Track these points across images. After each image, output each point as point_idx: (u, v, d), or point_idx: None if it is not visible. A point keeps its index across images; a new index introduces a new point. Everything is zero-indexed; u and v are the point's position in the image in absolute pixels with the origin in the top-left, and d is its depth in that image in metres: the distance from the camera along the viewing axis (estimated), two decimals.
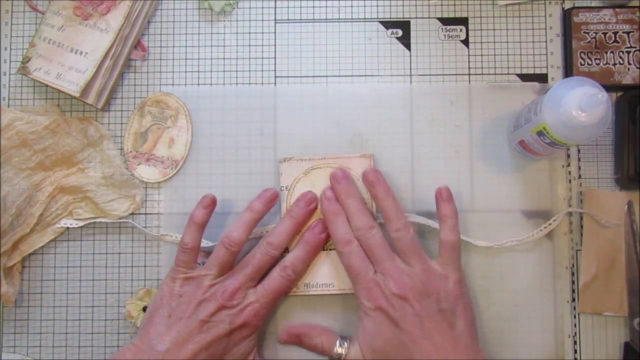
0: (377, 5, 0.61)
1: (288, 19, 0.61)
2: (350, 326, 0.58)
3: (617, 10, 0.59)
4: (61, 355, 0.59)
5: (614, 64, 0.59)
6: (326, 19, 0.61)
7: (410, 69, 0.60)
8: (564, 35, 0.60)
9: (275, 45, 0.61)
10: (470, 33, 0.61)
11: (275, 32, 0.61)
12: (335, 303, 0.58)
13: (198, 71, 0.61)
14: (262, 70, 0.61)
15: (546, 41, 0.60)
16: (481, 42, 0.60)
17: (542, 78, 0.60)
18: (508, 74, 0.60)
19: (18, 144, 0.57)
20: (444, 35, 0.61)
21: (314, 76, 0.60)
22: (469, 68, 0.60)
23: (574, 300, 0.58)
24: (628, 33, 0.59)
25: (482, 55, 0.60)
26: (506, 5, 0.60)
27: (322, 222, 0.56)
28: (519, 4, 0.61)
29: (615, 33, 0.59)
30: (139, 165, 0.59)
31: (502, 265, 0.58)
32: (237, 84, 0.60)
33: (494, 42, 0.60)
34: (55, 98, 0.60)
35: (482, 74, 0.60)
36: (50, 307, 0.59)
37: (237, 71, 0.61)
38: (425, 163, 0.59)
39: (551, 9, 0.61)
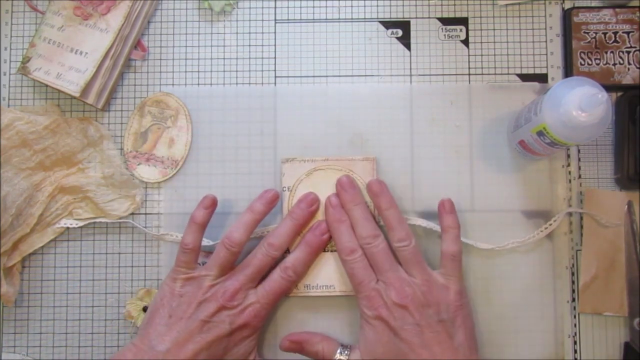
0: (377, 5, 0.61)
1: (288, 19, 0.61)
2: (350, 328, 0.58)
3: (617, 10, 0.59)
4: (61, 355, 0.59)
5: (614, 64, 0.59)
6: (326, 19, 0.61)
7: (410, 69, 0.60)
8: (564, 35, 0.60)
9: (275, 45, 0.61)
10: (470, 33, 0.61)
11: (275, 32, 0.61)
12: (336, 304, 0.58)
13: (198, 71, 0.61)
14: (262, 70, 0.61)
15: (546, 41, 0.60)
16: (481, 42, 0.60)
17: (542, 78, 0.60)
18: (508, 74, 0.60)
19: (18, 144, 0.57)
20: (444, 35, 0.61)
21: (314, 76, 0.60)
22: (469, 68, 0.60)
23: (574, 300, 0.58)
24: (628, 33, 0.59)
25: (482, 55, 0.60)
26: (506, 5, 0.60)
27: (323, 224, 0.56)
28: (519, 4, 0.61)
29: (615, 33, 0.59)
30: (139, 165, 0.59)
31: (502, 265, 0.58)
32: (237, 84, 0.60)
33: (494, 42, 0.60)
34: (55, 98, 0.60)
35: (482, 74, 0.60)
36: (50, 307, 0.59)
37: (237, 71, 0.61)
38: (425, 163, 0.59)
39: (551, 9, 0.61)
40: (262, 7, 0.61)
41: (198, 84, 0.60)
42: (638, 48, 0.59)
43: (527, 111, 0.54)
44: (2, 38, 0.61)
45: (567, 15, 0.59)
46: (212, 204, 0.55)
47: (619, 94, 0.59)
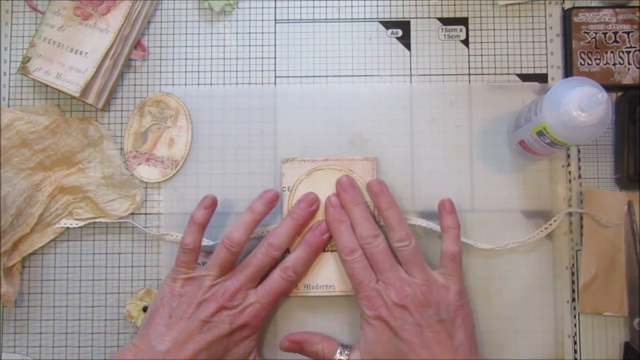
0: (377, 5, 0.61)
1: (288, 19, 0.61)
2: (350, 328, 0.58)
3: (617, 10, 0.59)
4: (61, 355, 0.59)
5: (614, 64, 0.59)
6: (326, 19, 0.61)
7: (410, 69, 0.60)
8: (564, 35, 0.60)
9: (275, 45, 0.61)
10: (470, 33, 0.61)
11: (275, 32, 0.61)
12: (336, 304, 0.58)
13: (198, 71, 0.61)
14: (262, 70, 0.61)
15: (546, 41, 0.60)
16: (481, 42, 0.60)
17: (542, 78, 0.60)
18: (508, 74, 0.60)
19: (18, 144, 0.57)
20: (444, 35, 0.61)
21: (314, 76, 0.60)
22: (469, 68, 0.60)
23: (574, 300, 0.58)
24: (628, 33, 0.59)
25: (482, 55, 0.60)
26: (506, 5, 0.60)
27: (323, 224, 0.56)
28: (519, 4, 0.61)
29: (615, 33, 0.59)
30: (139, 165, 0.59)
31: (502, 265, 0.58)
32: (237, 84, 0.60)
33: (494, 42, 0.60)
34: (55, 98, 0.60)
35: (482, 74, 0.60)
36: (50, 307, 0.59)
37: (237, 71, 0.61)
38: (425, 163, 0.59)
39: (551, 9, 0.61)
40: (262, 7, 0.61)
41: (198, 84, 0.60)
42: (638, 48, 0.59)
43: (527, 111, 0.54)
44: (2, 38, 0.61)
45: (567, 15, 0.59)
46: (212, 204, 0.55)
47: (619, 94, 0.59)
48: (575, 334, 0.58)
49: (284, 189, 0.58)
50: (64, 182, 0.58)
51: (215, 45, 0.61)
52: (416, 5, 0.61)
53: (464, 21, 0.61)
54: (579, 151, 0.60)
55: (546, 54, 0.60)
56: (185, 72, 0.61)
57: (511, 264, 0.58)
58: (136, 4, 0.59)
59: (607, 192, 0.59)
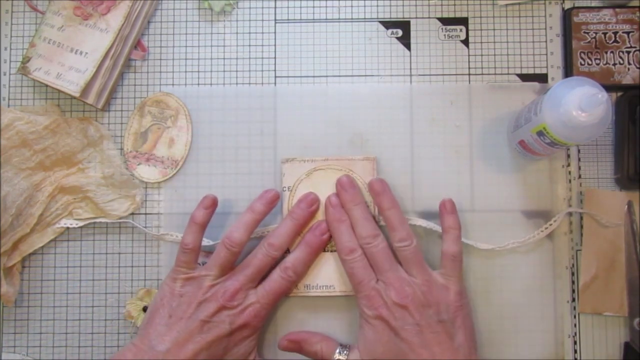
0: (377, 5, 0.61)
1: (288, 19, 0.61)
2: (350, 328, 0.58)
3: (617, 10, 0.59)
4: (61, 355, 0.59)
5: (614, 64, 0.59)
6: (326, 19, 0.61)
7: (410, 69, 0.60)
8: (564, 35, 0.60)
9: (275, 45, 0.61)
10: (470, 33, 0.61)
11: (275, 32, 0.61)
12: (336, 305, 0.58)
13: (198, 71, 0.61)
14: (262, 70, 0.61)
15: (546, 41, 0.60)
16: (481, 42, 0.60)
17: (542, 78, 0.60)
18: (508, 74, 0.60)
19: (18, 144, 0.57)
20: (444, 35, 0.61)
21: (314, 76, 0.60)
22: (469, 68, 0.60)
23: (574, 300, 0.58)
24: (628, 33, 0.59)
25: (482, 55, 0.60)
26: (506, 5, 0.60)
27: (323, 224, 0.56)
28: (519, 4, 0.61)
29: (615, 33, 0.59)
30: (139, 165, 0.59)
31: (502, 265, 0.58)
32: (237, 84, 0.60)
33: (494, 42, 0.60)
34: (55, 98, 0.60)
35: (482, 74, 0.60)
36: (50, 307, 0.59)
37: (237, 71, 0.61)
38: (425, 163, 0.59)
39: (551, 9, 0.61)
40: (262, 7, 0.61)
41: (198, 84, 0.60)
42: (638, 48, 0.59)
43: (527, 111, 0.54)
44: (2, 38, 0.61)
45: (567, 15, 0.59)
46: (212, 204, 0.55)
47: (619, 94, 0.59)
48: (575, 334, 0.58)
49: (284, 189, 0.58)
50: (64, 182, 0.58)
51: (215, 45, 0.61)
52: (416, 5, 0.61)
53: (464, 21, 0.61)
54: (579, 151, 0.60)
55: (546, 54, 0.60)
56: (185, 72, 0.61)
57: (511, 264, 0.58)
58: (136, 4, 0.59)
59: (607, 192, 0.59)
